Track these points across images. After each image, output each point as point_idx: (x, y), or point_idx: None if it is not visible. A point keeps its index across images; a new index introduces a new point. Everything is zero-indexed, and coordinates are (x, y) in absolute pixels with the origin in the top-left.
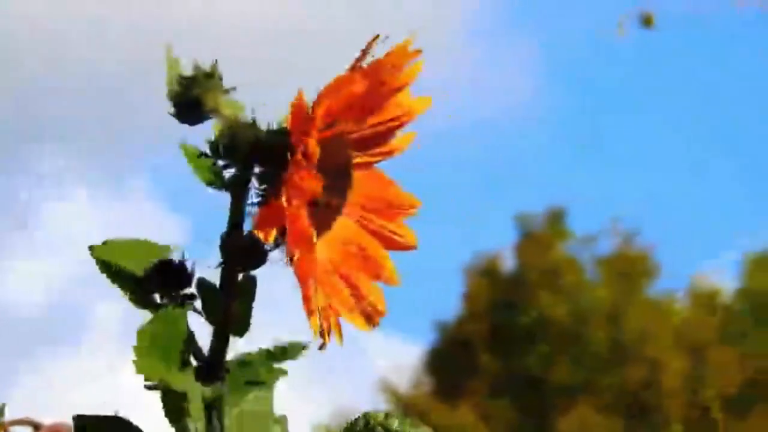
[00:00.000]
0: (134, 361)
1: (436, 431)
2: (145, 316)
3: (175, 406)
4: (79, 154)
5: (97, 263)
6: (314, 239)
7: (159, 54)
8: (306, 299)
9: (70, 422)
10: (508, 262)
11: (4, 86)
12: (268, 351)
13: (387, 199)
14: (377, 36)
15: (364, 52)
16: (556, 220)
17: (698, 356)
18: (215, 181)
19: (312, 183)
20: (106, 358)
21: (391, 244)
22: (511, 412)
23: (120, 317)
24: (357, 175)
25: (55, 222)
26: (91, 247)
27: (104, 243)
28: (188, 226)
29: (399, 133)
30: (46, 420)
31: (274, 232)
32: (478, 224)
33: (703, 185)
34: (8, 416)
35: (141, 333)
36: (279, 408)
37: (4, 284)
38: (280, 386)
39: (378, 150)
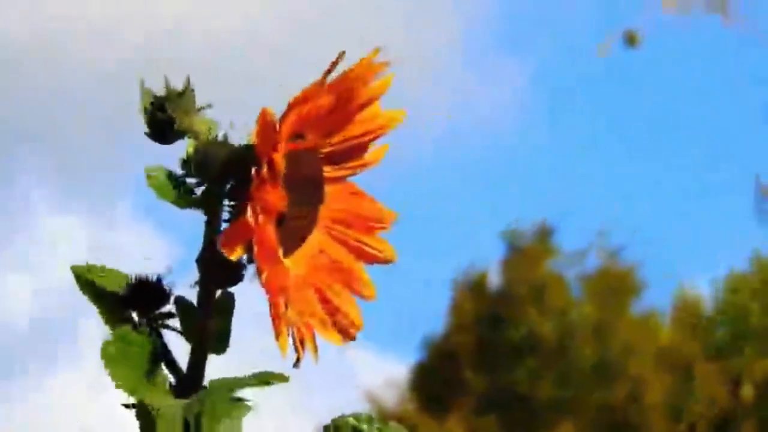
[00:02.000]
0: (108, 372)
1: None
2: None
3: (147, 423)
4: (69, 167)
5: (77, 282)
6: (281, 254)
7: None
8: (275, 317)
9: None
10: (495, 278)
11: None
12: (245, 379)
13: (362, 212)
14: (343, 52)
15: (331, 68)
16: (544, 237)
17: (683, 373)
18: (183, 201)
19: (277, 197)
20: (89, 376)
21: (367, 258)
22: (497, 428)
23: (104, 330)
24: (331, 188)
25: (45, 235)
26: (72, 267)
27: (86, 265)
28: (178, 242)
29: (372, 146)
30: None
31: (239, 249)
32: (466, 240)
33: (688, 202)
34: None
35: (105, 346)
36: (266, 427)
37: None
38: (268, 403)
39: (351, 163)
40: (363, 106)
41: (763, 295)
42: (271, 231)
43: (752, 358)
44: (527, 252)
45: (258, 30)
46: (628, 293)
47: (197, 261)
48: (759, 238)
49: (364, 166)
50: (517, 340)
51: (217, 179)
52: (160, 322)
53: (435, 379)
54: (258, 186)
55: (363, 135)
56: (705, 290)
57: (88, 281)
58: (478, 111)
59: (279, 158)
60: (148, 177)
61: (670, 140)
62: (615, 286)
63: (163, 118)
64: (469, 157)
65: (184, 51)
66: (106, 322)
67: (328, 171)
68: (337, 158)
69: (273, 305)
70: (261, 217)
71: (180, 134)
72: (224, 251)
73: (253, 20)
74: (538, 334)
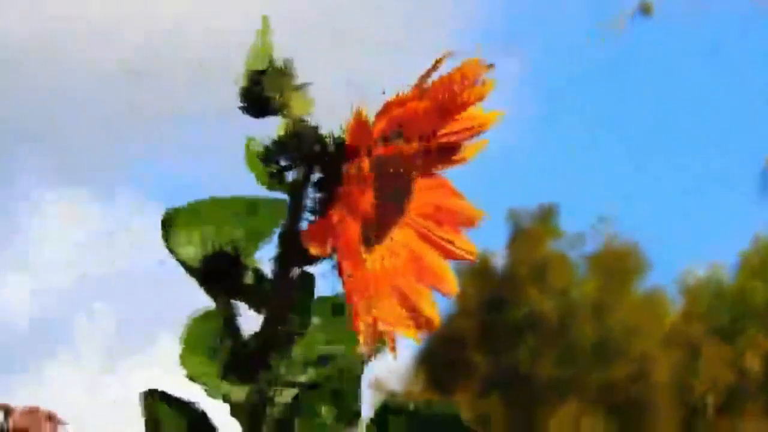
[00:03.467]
0: (180, 356)
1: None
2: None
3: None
4: (66, 163)
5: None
6: (364, 255)
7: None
8: (354, 315)
9: (44, 407)
10: (499, 260)
11: None
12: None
13: (449, 209)
14: (447, 53)
15: (431, 70)
16: (547, 217)
17: (688, 352)
18: (275, 183)
19: (364, 201)
20: (89, 369)
21: (450, 255)
22: (502, 408)
23: (103, 329)
24: (422, 184)
25: (42, 233)
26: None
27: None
28: None
29: (468, 143)
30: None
31: (324, 247)
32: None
33: (692, 181)
34: None
35: (188, 327)
36: None
37: None
38: None
39: (445, 160)
40: (463, 108)
41: (765, 275)
42: (355, 233)
43: (756, 336)
44: (530, 233)
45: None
46: (631, 273)
47: (279, 236)
48: (762, 218)
49: (458, 162)
50: (520, 321)
51: (310, 164)
52: (237, 298)
53: (439, 361)
54: (347, 187)
55: (459, 133)
56: (709, 270)
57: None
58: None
59: (370, 161)
60: (247, 145)
61: (674, 122)
62: (618, 265)
63: (259, 92)
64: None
65: (184, 51)
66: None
67: (422, 167)
68: (432, 155)
69: (354, 308)
70: (347, 219)
71: (275, 110)
72: (309, 247)
73: (254, 20)
74: (542, 315)
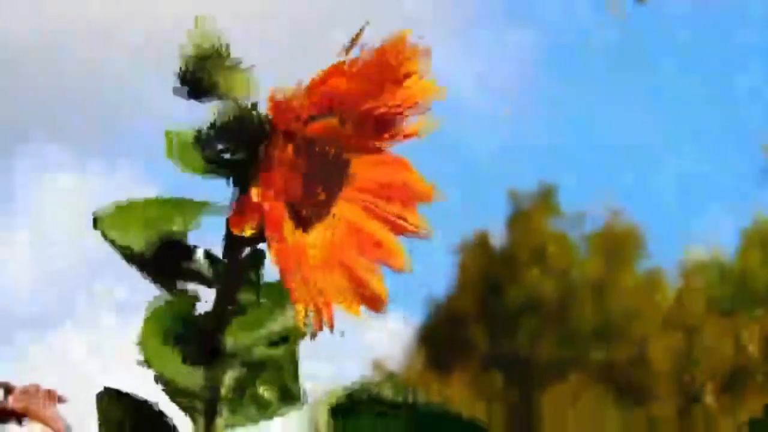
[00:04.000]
0: (140, 344)
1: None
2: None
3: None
4: (70, 141)
5: (105, 237)
6: (289, 229)
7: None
8: (289, 290)
9: (43, 386)
10: (499, 239)
11: None
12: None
13: (399, 185)
14: (365, 24)
15: (352, 44)
16: (547, 197)
17: (688, 333)
18: (214, 170)
19: (290, 179)
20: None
21: (401, 231)
22: (501, 388)
23: (104, 304)
24: (369, 159)
25: (45, 208)
26: (96, 220)
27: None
28: None
29: (415, 118)
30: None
31: (248, 227)
32: (471, 201)
33: (694, 161)
34: None
35: (149, 317)
36: None
37: None
38: None
39: (389, 135)
40: (392, 83)
41: (765, 255)
42: (279, 212)
43: (757, 316)
44: (530, 212)
45: (259, 29)
46: (632, 253)
47: (226, 219)
48: (763, 198)
49: (405, 137)
50: (520, 301)
51: (249, 144)
52: (186, 280)
53: (440, 340)
54: (268, 165)
55: (396, 108)
56: (709, 250)
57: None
58: (482, 73)
59: (295, 141)
60: (166, 138)
61: (677, 101)
62: (618, 246)
63: (198, 75)
64: (473, 120)
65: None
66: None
67: (364, 141)
68: (367, 131)
69: (284, 281)
70: (269, 196)
71: (214, 94)
72: (233, 228)
73: (254, 20)
74: (542, 294)
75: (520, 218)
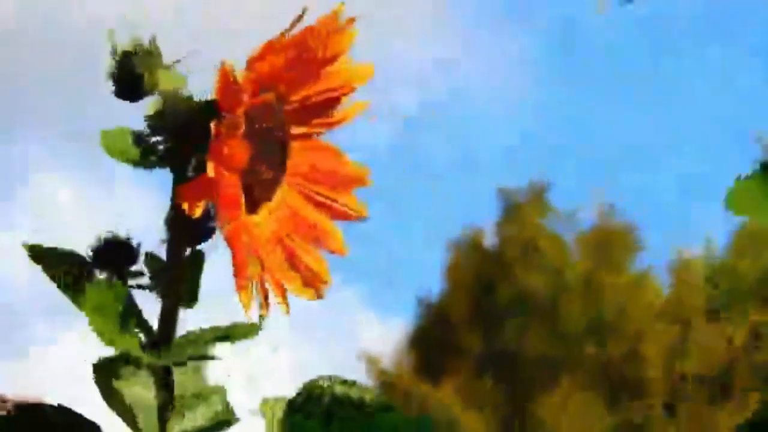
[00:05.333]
0: (90, 321)
1: (420, 407)
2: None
3: (115, 377)
4: (64, 135)
5: (30, 256)
6: (243, 207)
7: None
8: (237, 272)
9: (37, 395)
10: (490, 238)
11: None
12: (216, 329)
13: (334, 170)
14: (306, 8)
15: (293, 24)
16: (538, 195)
17: (679, 330)
18: (144, 160)
19: (237, 151)
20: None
21: (338, 215)
22: (492, 388)
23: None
24: (301, 145)
25: (39, 200)
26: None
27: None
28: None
29: (346, 103)
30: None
31: (199, 205)
32: (462, 200)
33: (685, 159)
34: None
35: (87, 296)
36: (264, 389)
37: None
38: (263, 364)
39: (321, 120)
40: (326, 62)
41: (756, 253)
42: (233, 185)
43: (748, 313)
44: (522, 210)
45: (260, 29)
46: (624, 251)
47: (165, 220)
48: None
49: (337, 122)
50: (512, 300)
51: (179, 135)
52: (130, 279)
53: (431, 340)
54: (218, 140)
55: (329, 91)
56: (701, 248)
57: (40, 251)
58: (475, 70)
59: (239, 114)
60: (102, 138)
61: (670, 99)
62: (610, 243)
63: (129, 74)
64: (466, 118)
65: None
66: (70, 284)
67: (296, 127)
68: (306, 115)
69: (236, 260)
70: (222, 172)
71: (147, 91)
72: (184, 207)
73: (253, 20)
74: (533, 293)
75: (511, 216)
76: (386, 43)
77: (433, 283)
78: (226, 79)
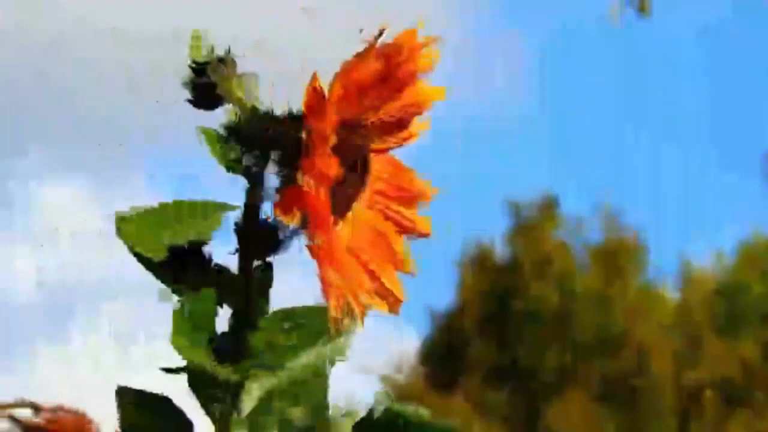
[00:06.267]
0: (172, 338)
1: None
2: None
3: (202, 388)
4: (75, 144)
5: (121, 238)
6: (334, 222)
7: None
8: (324, 282)
9: (70, 405)
10: (501, 251)
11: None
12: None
13: (402, 185)
14: (385, 25)
15: (374, 40)
16: (548, 208)
17: (688, 343)
18: (234, 166)
19: (329, 166)
20: (96, 347)
21: (405, 230)
22: (504, 401)
23: (111, 315)
24: (374, 159)
25: (50, 210)
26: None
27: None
28: None
29: (414, 121)
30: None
31: (295, 215)
32: (472, 213)
33: (694, 172)
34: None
35: (177, 311)
36: None
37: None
38: None
39: (393, 137)
40: (407, 81)
41: (763, 267)
42: (324, 198)
43: (755, 327)
44: (532, 223)
45: (257, 29)
46: (633, 263)
47: (236, 230)
48: (763, 209)
49: (405, 140)
50: (523, 312)
51: (260, 148)
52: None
53: (443, 353)
54: (310, 155)
55: (406, 108)
56: (709, 262)
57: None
58: (481, 85)
59: (329, 128)
60: (206, 137)
61: (678, 112)
62: (620, 255)
63: (204, 83)
64: (474, 129)
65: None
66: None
67: (373, 141)
68: (381, 130)
69: (323, 273)
70: (315, 185)
71: (221, 101)
72: (281, 217)
73: (253, 20)
74: (544, 306)
75: (521, 229)
76: None
77: (444, 296)
78: (315, 94)
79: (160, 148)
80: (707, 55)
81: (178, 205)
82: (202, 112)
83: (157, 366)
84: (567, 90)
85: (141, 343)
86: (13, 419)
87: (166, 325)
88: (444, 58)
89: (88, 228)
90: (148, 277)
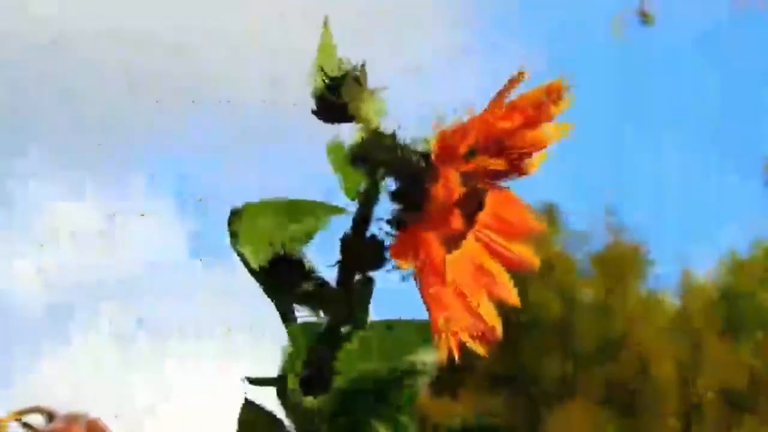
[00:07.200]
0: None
1: (434, 428)
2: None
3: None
4: (75, 144)
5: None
6: (447, 273)
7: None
8: (434, 323)
9: (84, 412)
10: None
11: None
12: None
13: (511, 219)
14: (523, 72)
15: (509, 87)
16: (550, 216)
17: (689, 350)
18: (351, 190)
19: (453, 219)
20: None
21: (511, 265)
22: (506, 408)
23: (111, 316)
24: (489, 194)
25: (50, 210)
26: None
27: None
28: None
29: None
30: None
31: (410, 260)
32: None
33: (695, 175)
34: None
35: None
36: None
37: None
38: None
39: (514, 174)
40: (538, 126)
41: (763, 276)
42: (442, 252)
43: (757, 334)
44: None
45: (259, 29)
46: (634, 272)
47: (343, 242)
48: (762, 217)
49: (523, 175)
50: (525, 320)
51: (383, 172)
52: (299, 300)
53: (443, 361)
54: (435, 203)
55: (528, 148)
56: (709, 271)
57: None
58: (485, 91)
59: (457, 179)
60: (334, 154)
61: (678, 119)
62: (621, 265)
63: (334, 100)
64: None
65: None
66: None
67: (493, 185)
68: (502, 172)
69: (434, 320)
70: (433, 237)
71: (349, 118)
72: (397, 260)
73: (251, 21)
74: (546, 314)
75: None
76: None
77: None
78: (446, 139)
79: (160, 148)
80: (708, 58)
81: (293, 202)
82: (188, 113)
83: (156, 366)
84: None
85: (141, 343)
86: (26, 426)
87: (168, 326)
88: (445, 59)
89: (88, 228)
90: (149, 277)
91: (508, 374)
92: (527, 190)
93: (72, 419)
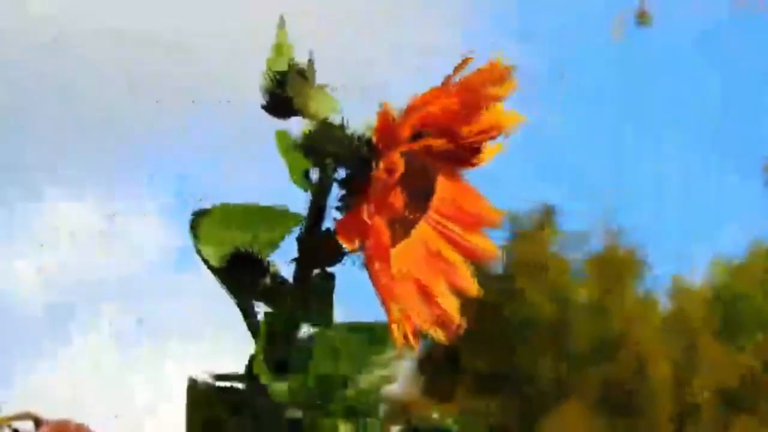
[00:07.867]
0: (255, 360)
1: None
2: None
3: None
4: (75, 144)
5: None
6: (392, 255)
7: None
8: (388, 312)
9: (74, 419)
10: (498, 261)
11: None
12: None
13: (469, 209)
14: (471, 54)
15: (456, 71)
16: (546, 218)
17: (685, 351)
18: (300, 180)
19: (395, 199)
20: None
21: (469, 254)
22: (500, 408)
23: (111, 316)
24: (441, 184)
25: (50, 210)
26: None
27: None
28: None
29: (486, 145)
30: (49, 416)
31: (356, 241)
32: None
33: (694, 175)
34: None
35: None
36: None
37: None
38: None
39: (466, 161)
40: (485, 107)
41: (762, 278)
42: (385, 231)
43: (754, 334)
44: (529, 233)
45: (260, 29)
46: (630, 274)
47: (298, 239)
48: (761, 218)
49: (476, 164)
50: (519, 322)
51: (332, 164)
52: (257, 296)
53: (438, 363)
54: (376, 184)
55: (480, 134)
56: (705, 273)
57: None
58: None
59: (399, 160)
60: (280, 143)
61: (678, 119)
62: (617, 266)
63: (281, 94)
64: None
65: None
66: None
67: (443, 167)
68: (453, 155)
69: (383, 301)
70: (377, 218)
71: (296, 111)
72: (342, 241)
73: (253, 21)
74: (540, 316)
75: (518, 239)
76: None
77: None
78: (387, 122)
79: (160, 148)
80: (708, 58)
81: (253, 208)
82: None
83: (156, 366)
84: (567, 92)
85: (141, 343)
86: None
87: (169, 326)
88: (445, 59)
89: (88, 228)
90: (149, 277)
91: (502, 375)
92: (527, 191)
93: (60, 426)
